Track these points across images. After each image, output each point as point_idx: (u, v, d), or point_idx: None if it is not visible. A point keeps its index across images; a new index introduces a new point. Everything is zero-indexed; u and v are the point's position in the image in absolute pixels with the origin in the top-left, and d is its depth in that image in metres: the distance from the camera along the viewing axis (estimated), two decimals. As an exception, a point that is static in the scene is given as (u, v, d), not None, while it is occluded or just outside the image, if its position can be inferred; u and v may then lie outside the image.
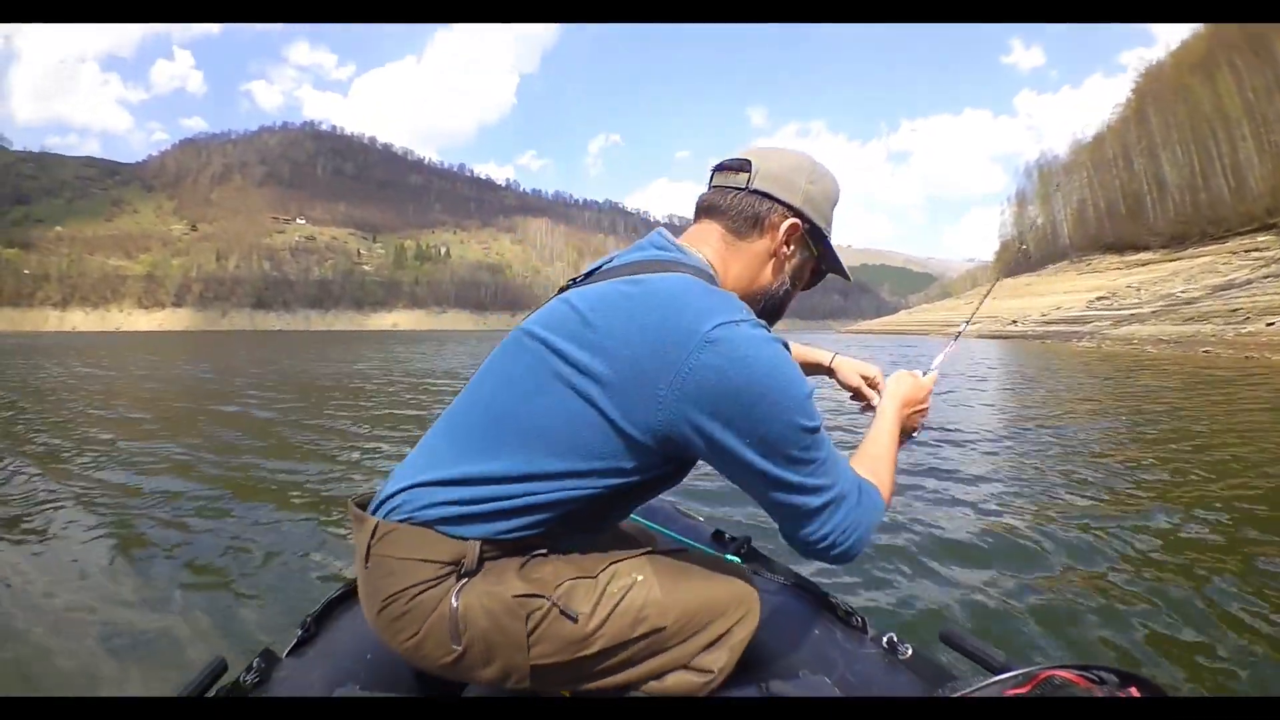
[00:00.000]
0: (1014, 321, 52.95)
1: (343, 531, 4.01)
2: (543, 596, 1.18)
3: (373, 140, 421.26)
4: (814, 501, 1.19)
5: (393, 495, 1.23)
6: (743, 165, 1.35)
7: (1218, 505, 4.50)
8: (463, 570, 1.19)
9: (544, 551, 1.24)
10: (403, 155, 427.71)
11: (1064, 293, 59.41)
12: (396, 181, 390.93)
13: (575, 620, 1.18)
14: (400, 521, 1.20)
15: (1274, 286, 31.06)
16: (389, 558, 1.19)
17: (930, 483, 5.24)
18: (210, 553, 3.81)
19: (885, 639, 1.55)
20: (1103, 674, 1.04)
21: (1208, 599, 3.12)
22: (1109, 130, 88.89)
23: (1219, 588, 3.24)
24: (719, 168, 1.39)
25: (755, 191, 1.34)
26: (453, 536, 1.18)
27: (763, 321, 1.19)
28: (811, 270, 1.46)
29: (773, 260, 1.37)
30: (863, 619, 1.64)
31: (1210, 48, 67.38)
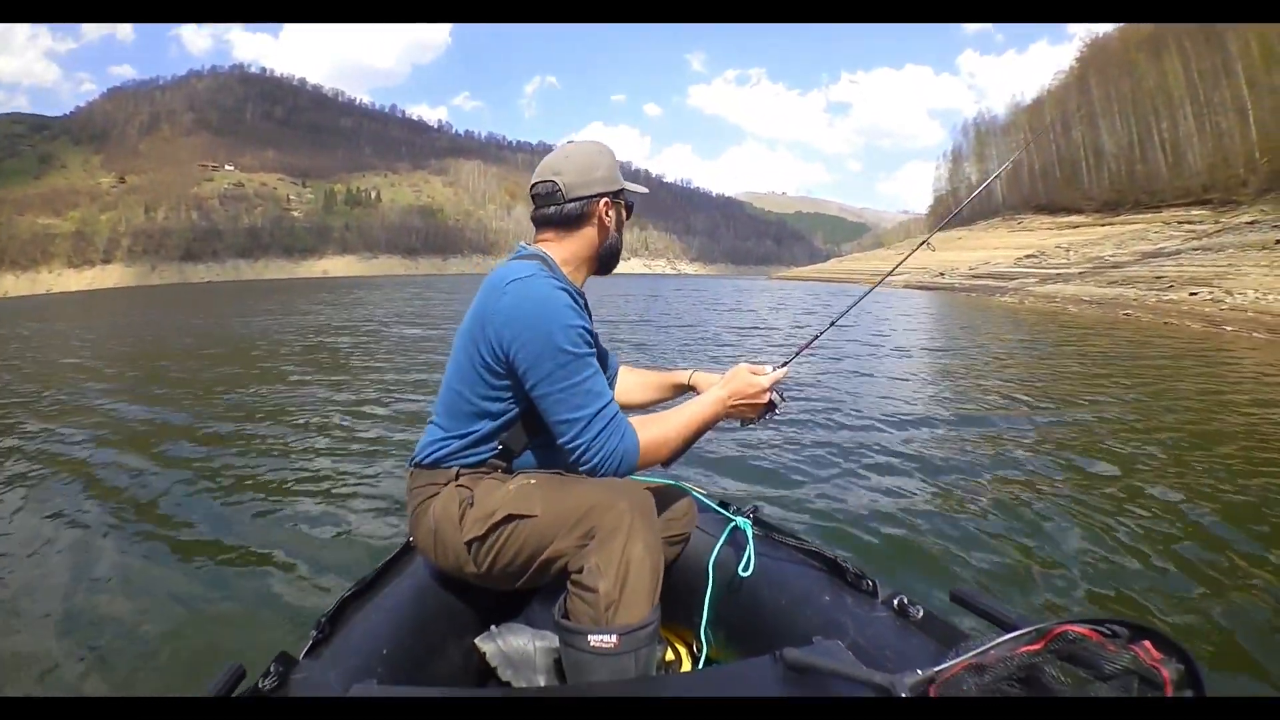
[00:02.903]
0: (941, 274, 53.49)
1: (336, 533, 4.10)
2: (469, 489, 1.74)
3: (302, 82, 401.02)
4: (568, 414, 1.66)
5: (420, 448, 1.86)
6: (554, 187, 1.86)
7: (1210, 470, 4.98)
8: (444, 484, 1.78)
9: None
10: (333, 97, 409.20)
11: (994, 248, 59.77)
12: (326, 125, 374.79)
13: (473, 505, 1.69)
14: (414, 466, 1.86)
15: (1203, 259, 31.41)
16: (411, 488, 1.85)
17: (924, 449, 5.60)
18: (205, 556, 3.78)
19: (896, 601, 1.64)
20: (1115, 628, 1.04)
21: (1213, 555, 3.45)
22: (1049, 95, 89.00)
23: (1219, 542, 3.60)
24: (534, 192, 1.92)
25: (570, 200, 1.86)
26: (444, 469, 1.80)
27: (554, 278, 1.74)
28: (629, 212, 2.03)
29: (600, 228, 1.92)
30: (873, 582, 1.75)
31: (1159, 28, 67.40)
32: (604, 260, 1.99)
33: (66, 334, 21.53)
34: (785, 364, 1.99)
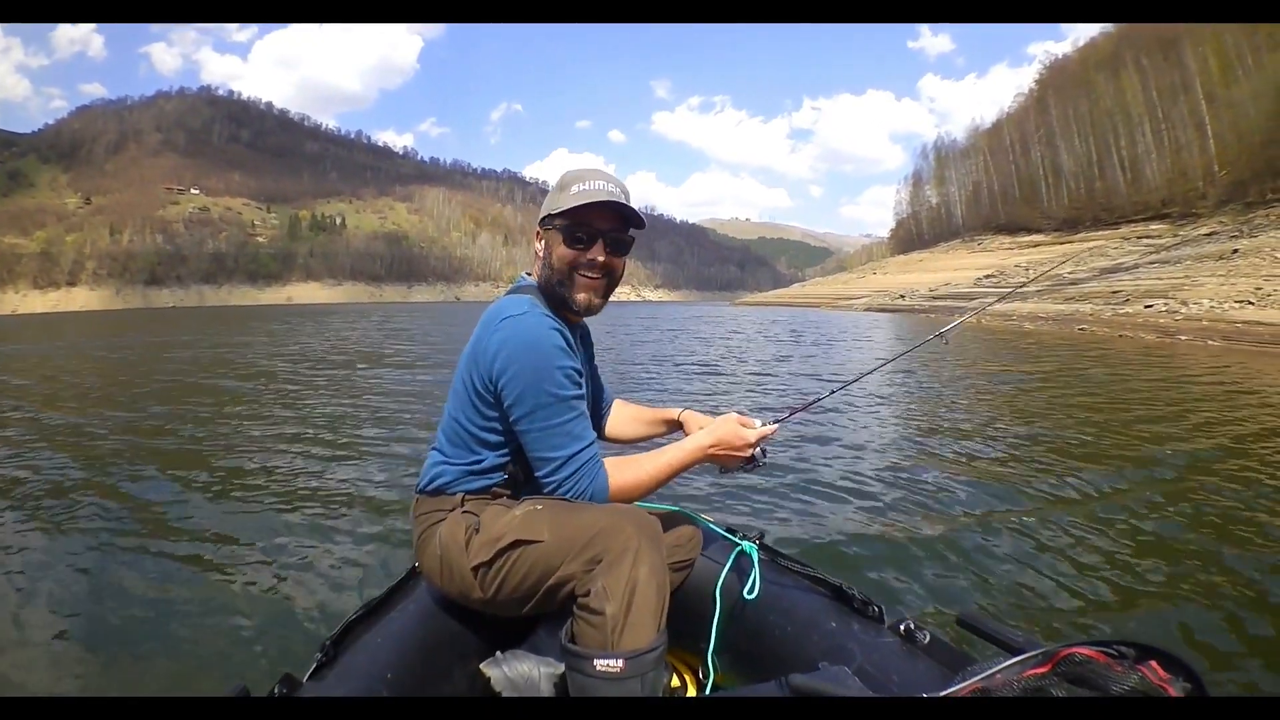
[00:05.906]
0: (902, 296, 54.10)
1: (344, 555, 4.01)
2: (475, 515, 1.76)
3: (269, 106, 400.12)
4: (546, 452, 1.72)
5: (423, 474, 1.89)
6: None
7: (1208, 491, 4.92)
8: (450, 510, 1.80)
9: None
10: (299, 122, 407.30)
11: (954, 270, 60.74)
12: (293, 149, 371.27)
13: (479, 530, 1.71)
14: (419, 493, 1.90)
15: (1159, 272, 31.97)
16: (416, 514, 1.88)
17: (930, 476, 5.50)
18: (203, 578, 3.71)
19: (903, 626, 1.64)
20: (1121, 649, 1.04)
21: (1228, 578, 3.40)
22: (1008, 118, 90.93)
23: (1233, 562, 3.57)
24: None
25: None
26: (448, 495, 1.83)
27: (547, 315, 1.76)
28: (569, 240, 1.79)
29: (535, 260, 1.90)
30: (879, 608, 1.74)
31: (1118, 47, 68.48)
32: (549, 297, 1.85)
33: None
34: (777, 422, 1.98)
